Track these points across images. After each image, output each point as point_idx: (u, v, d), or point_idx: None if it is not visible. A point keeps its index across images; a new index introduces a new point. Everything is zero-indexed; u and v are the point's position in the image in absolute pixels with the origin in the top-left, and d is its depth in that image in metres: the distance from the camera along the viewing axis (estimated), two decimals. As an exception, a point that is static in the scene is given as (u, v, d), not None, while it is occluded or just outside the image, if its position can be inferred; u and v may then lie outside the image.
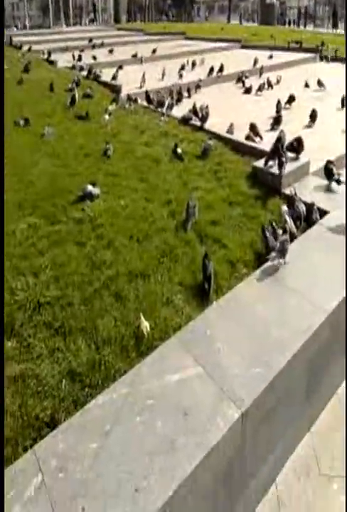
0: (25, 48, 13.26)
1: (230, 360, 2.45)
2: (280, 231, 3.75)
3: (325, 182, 4.69)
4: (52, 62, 11.53)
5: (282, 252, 3.29)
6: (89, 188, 4.27)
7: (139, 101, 8.09)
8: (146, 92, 8.20)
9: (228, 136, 6.19)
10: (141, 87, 9.26)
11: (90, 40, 15.72)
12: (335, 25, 27.46)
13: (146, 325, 2.64)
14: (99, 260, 3.27)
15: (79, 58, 11.81)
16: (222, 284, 3.18)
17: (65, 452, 1.78)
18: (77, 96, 7.56)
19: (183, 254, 3.44)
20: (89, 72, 10.09)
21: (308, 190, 4.60)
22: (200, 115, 6.83)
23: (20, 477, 1.65)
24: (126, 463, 1.81)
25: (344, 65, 11.39)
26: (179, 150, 5.50)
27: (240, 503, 2.31)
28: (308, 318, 2.69)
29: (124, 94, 8.52)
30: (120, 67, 10.94)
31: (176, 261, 3.35)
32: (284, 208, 4.09)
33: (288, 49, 15.58)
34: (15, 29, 24.34)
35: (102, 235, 3.62)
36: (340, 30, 24.91)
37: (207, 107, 6.96)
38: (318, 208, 4.08)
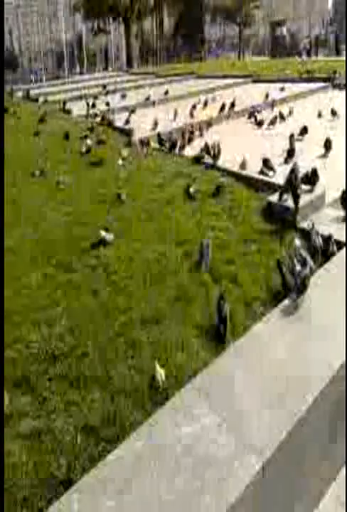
0: (41, 99, 14.22)
1: (248, 407, 2.44)
2: (298, 267, 3.77)
3: (342, 213, 4.72)
4: (67, 111, 12.29)
5: (302, 288, 3.30)
6: (103, 234, 4.45)
7: (152, 144, 8.45)
8: (158, 135, 8.58)
9: (241, 172, 6.37)
10: (153, 129, 9.69)
11: (104, 86, 16.70)
12: (338, 52, 27.85)
13: (161, 373, 2.68)
14: (113, 307, 3.38)
15: (93, 105, 12.54)
16: (238, 326, 3.19)
17: (80, 513, 1.80)
18: (91, 143, 8.00)
19: (198, 295, 3.51)
20: (103, 118, 10.69)
21: (325, 222, 4.62)
22: (212, 153, 7.06)
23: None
24: (143, 525, 1.81)
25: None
26: (192, 190, 5.66)
27: None
28: (329, 359, 2.66)
29: (136, 138, 8.93)
30: (133, 111, 11.55)
31: (191, 303, 3.41)
32: (297, 242, 4.13)
33: (300, 80, 16.02)
34: (32, 83, 26.28)
35: (116, 281, 3.74)
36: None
37: (218, 144, 7.16)
38: (336, 241, 4.10)
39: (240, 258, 4.04)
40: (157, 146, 8.37)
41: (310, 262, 3.92)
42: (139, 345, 2.96)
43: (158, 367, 2.70)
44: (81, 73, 35.14)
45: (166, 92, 14.66)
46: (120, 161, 7.17)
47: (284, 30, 34.93)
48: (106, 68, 39.38)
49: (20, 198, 5.55)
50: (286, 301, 3.34)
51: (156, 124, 9.80)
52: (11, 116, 11.27)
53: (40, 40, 45.99)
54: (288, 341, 2.91)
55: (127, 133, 9.46)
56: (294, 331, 3.03)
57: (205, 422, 2.37)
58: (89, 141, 8.09)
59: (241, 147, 7.89)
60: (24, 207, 5.15)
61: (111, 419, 2.40)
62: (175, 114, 10.94)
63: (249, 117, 10.98)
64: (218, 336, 3.06)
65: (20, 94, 15.79)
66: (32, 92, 15.72)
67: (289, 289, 3.56)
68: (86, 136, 8.60)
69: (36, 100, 14.30)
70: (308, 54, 30.50)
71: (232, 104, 11.47)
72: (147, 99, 13.76)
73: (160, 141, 8.42)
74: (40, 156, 7.52)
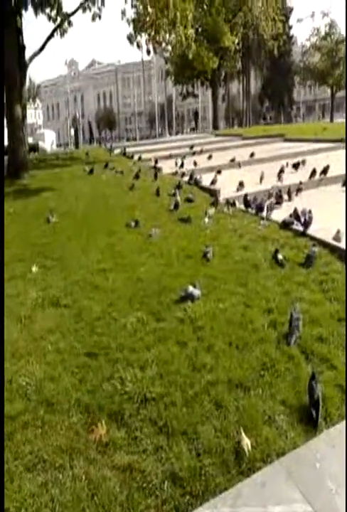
0: (136, 157, 15.84)
1: (342, 505, 2.34)
2: None
3: None
4: (158, 169, 13.42)
5: None
6: (191, 289, 4.73)
7: (237, 205, 8.78)
8: (245, 196, 8.87)
9: (335, 244, 6.15)
10: (238, 190, 10.06)
11: (191, 147, 17.93)
12: None
13: (247, 442, 2.72)
14: (199, 363, 3.56)
15: (182, 164, 13.51)
16: (331, 412, 3.05)
17: None
18: (179, 200, 8.63)
19: (286, 370, 3.49)
20: (191, 177, 11.46)
21: None
22: (302, 220, 7.01)
23: None
24: None
25: None
26: (280, 256, 5.71)
27: None
28: None
29: (222, 198, 9.36)
30: (219, 172, 12.14)
31: (278, 376, 3.41)
32: None
33: None
34: (127, 140, 29.51)
35: (202, 337, 3.95)
36: None
37: (310, 211, 7.10)
38: None
39: (334, 338, 3.89)
40: (243, 207, 8.66)
41: None
42: (225, 408, 3.06)
43: (244, 435, 2.75)
44: (170, 133, 38.38)
45: (252, 154, 15.17)
46: (206, 220, 7.58)
47: None
48: (193, 130, 42.44)
49: (118, 246, 6.23)
50: None
51: (241, 185, 10.16)
52: (111, 171, 13.09)
53: (134, 102, 51.74)
54: None
55: (213, 193, 9.99)
56: None
57: (294, 508, 2.34)
58: (178, 198, 8.72)
59: (334, 217, 7.64)
60: (121, 254, 5.78)
61: (196, 475, 2.52)
62: (262, 176, 11.16)
63: (344, 185, 10.79)
64: (309, 418, 2.98)
65: (118, 151, 17.89)
66: (128, 150, 17.59)
67: None
68: (174, 194, 9.33)
69: (131, 157, 15.98)
70: None
71: (325, 170, 11.25)
72: (233, 160, 14.39)
73: (246, 202, 8.69)
74: (134, 209, 8.36)
